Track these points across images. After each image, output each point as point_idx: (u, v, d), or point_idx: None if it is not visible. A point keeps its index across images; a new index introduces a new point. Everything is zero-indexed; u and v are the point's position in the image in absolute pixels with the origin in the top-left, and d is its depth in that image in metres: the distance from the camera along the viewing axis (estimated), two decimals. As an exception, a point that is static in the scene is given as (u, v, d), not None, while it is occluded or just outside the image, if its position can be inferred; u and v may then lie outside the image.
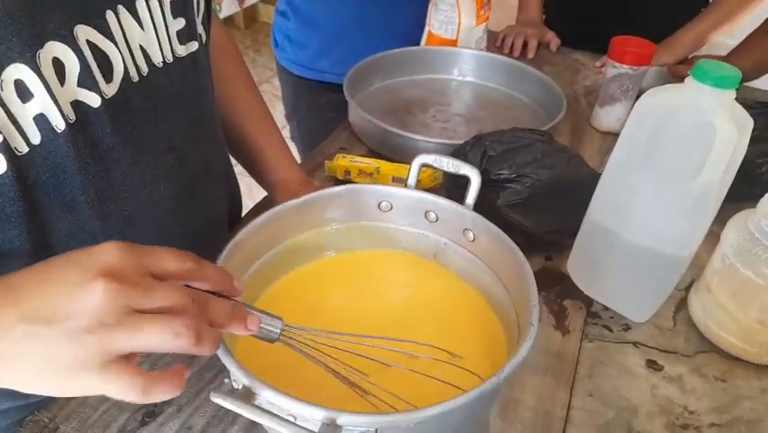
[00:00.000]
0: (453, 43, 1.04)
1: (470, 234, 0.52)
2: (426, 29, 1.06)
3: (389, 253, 0.58)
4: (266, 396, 0.35)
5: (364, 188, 0.56)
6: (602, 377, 0.54)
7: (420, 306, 0.55)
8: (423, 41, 1.08)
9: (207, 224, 0.57)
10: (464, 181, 0.53)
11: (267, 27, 3.19)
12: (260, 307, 0.37)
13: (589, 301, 0.62)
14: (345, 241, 0.58)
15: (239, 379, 0.36)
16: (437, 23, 1.03)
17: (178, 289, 0.30)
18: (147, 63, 0.44)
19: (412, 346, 0.46)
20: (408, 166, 0.76)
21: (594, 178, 0.67)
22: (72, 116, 0.39)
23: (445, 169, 0.54)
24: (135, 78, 0.44)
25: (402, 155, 0.80)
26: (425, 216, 0.55)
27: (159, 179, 0.49)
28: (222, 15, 2.21)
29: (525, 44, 1.19)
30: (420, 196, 0.55)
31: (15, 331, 0.28)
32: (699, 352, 0.58)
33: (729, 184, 0.53)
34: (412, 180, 0.55)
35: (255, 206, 0.73)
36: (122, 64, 0.42)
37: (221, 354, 0.36)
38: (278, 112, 1.26)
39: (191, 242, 0.55)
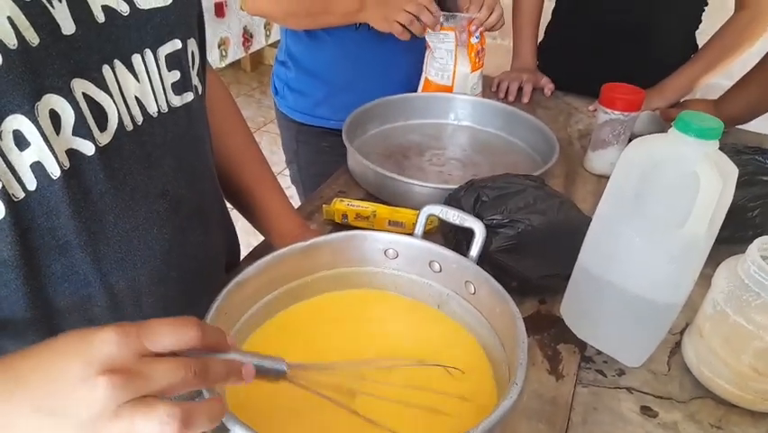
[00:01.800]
0: (449, 89, 1.08)
1: (471, 287, 0.53)
2: (423, 76, 1.10)
3: (393, 296, 0.59)
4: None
5: (370, 234, 0.57)
6: (596, 424, 0.54)
7: (418, 351, 0.55)
8: (420, 88, 1.11)
9: (202, 267, 0.58)
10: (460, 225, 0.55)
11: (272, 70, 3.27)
12: (257, 342, 0.39)
13: (583, 345, 0.63)
14: (349, 284, 0.59)
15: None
16: (434, 70, 1.06)
17: (179, 367, 0.32)
18: (142, 113, 0.46)
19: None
20: (405, 210, 0.78)
21: (585, 222, 0.68)
22: (67, 163, 0.41)
23: (451, 221, 0.55)
24: (130, 126, 0.45)
25: (399, 199, 0.82)
26: (430, 266, 0.56)
27: (151, 223, 0.50)
28: (228, 60, 2.27)
29: (520, 89, 1.23)
30: (425, 245, 0.56)
31: (30, 420, 0.31)
32: (693, 398, 0.58)
33: (717, 231, 0.54)
34: (419, 230, 0.57)
35: (253, 250, 0.74)
36: (116, 114, 0.44)
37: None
38: (282, 152, 1.29)
39: (185, 285, 0.56)
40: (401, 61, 1.11)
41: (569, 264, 0.64)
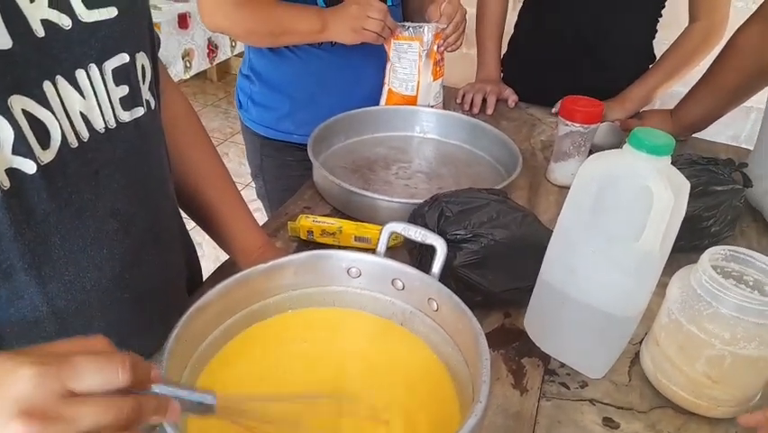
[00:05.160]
0: (414, 99, 1.08)
1: (435, 304, 0.53)
2: (386, 87, 1.10)
3: (356, 314, 0.59)
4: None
5: (333, 253, 0.57)
6: (560, 437, 0.55)
7: (381, 369, 0.55)
8: (383, 100, 1.12)
9: (158, 289, 0.57)
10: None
11: (238, 79, 3.24)
12: (216, 368, 0.37)
13: (546, 358, 0.63)
14: (312, 304, 0.58)
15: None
16: (397, 81, 1.07)
17: (109, 408, 0.30)
18: (88, 129, 0.45)
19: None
20: (371, 226, 0.78)
21: (547, 236, 0.69)
22: (7, 183, 0.40)
23: (413, 237, 0.55)
24: (74, 143, 0.44)
25: (365, 214, 0.82)
26: (393, 284, 0.56)
27: (101, 243, 0.48)
28: (192, 72, 2.24)
29: (484, 100, 1.24)
30: (387, 263, 0.56)
31: None
32: (654, 407, 0.59)
33: (671, 244, 0.55)
34: (381, 248, 0.56)
35: (216, 270, 0.73)
36: (59, 131, 0.43)
37: None
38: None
39: (140, 308, 0.54)
40: (363, 75, 1.12)
41: (532, 277, 0.65)
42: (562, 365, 0.63)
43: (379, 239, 0.58)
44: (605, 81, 1.19)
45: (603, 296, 0.58)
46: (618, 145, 1.06)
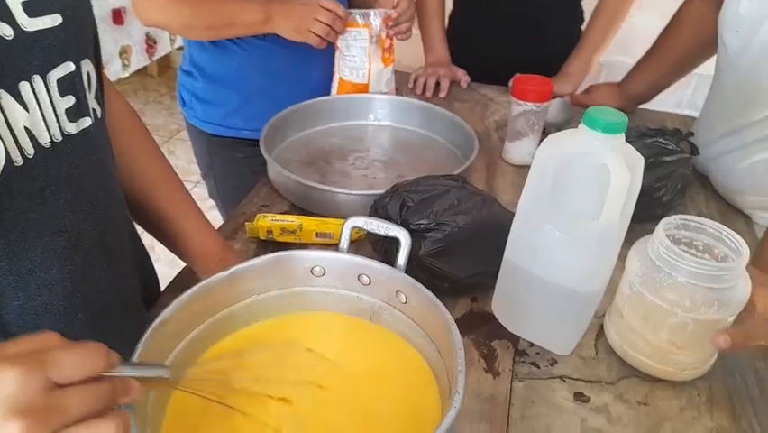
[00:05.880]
0: (365, 87, 1.07)
1: (402, 296, 0.53)
2: (337, 76, 1.08)
3: (324, 314, 0.58)
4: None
5: (295, 254, 0.55)
6: (534, 417, 0.56)
7: (356, 365, 0.54)
8: (334, 90, 1.10)
9: (113, 304, 0.54)
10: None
11: (181, 73, 3.14)
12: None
13: (516, 339, 0.64)
14: (278, 307, 0.57)
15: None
16: (347, 69, 1.05)
17: (90, 393, 0.31)
18: (33, 145, 0.42)
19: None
20: (332, 220, 0.77)
21: (508, 217, 0.69)
22: None
23: (375, 231, 0.54)
24: (19, 161, 0.41)
25: (325, 209, 0.80)
26: (359, 280, 0.55)
27: (49, 264, 0.46)
28: (131, 70, 2.14)
29: (437, 84, 1.24)
30: (352, 259, 0.55)
31: None
32: (621, 378, 0.61)
33: (629, 217, 0.56)
34: (344, 244, 0.55)
35: (174, 279, 0.70)
36: (2, 149, 0.40)
37: None
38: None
39: (96, 326, 0.52)
40: (312, 65, 1.09)
41: (496, 260, 0.66)
42: (532, 345, 0.64)
43: (341, 234, 0.57)
44: (540, 58, 1.21)
45: (567, 273, 0.58)
46: (569, 121, 1.09)
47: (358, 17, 0.99)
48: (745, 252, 0.56)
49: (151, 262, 0.68)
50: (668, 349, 0.59)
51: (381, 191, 0.75)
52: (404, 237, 0.54)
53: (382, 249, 0.67)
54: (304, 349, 0.52)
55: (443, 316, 0.48)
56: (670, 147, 0.81)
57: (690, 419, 0.56)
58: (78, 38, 0.46)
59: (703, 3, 0.97)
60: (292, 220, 0.76)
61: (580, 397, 0.58)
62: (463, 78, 1.27)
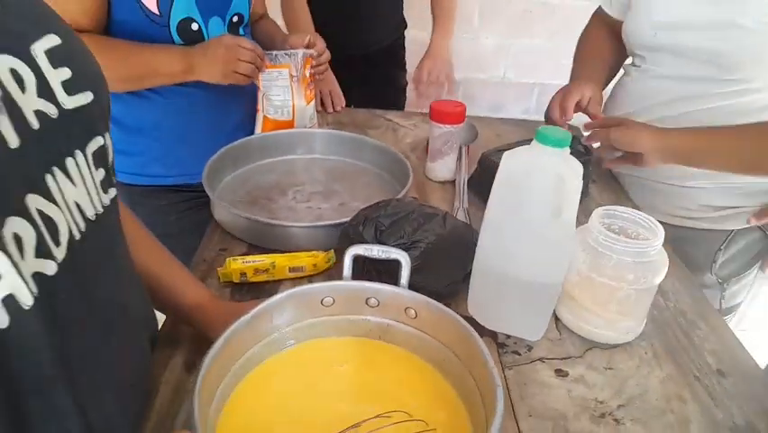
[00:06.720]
0: (291, 124, 1.11)
1: (412, 312, 0.58)
2: (261, 115, 1.10)
3: (337, 340, 0.61)
4: None
5: (306, 289, 0.58)
6: (530, 396, 0.64)
7: (377, 384, 0.58)
8: (258, 128, 1.12)
9: (137, 369, 0.54)
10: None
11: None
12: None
13: (494, 335, 0.72)
14: (295, 340, 0.60)
15: None
16: (272, 108, 1.08)
17: None
18: (83, 218, 0.43)
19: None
20: (302, 254, 0.80)
21: (467, 229, 0.78)
22: (35, 289, 0.36)
23: (376, 256, 0.59)
24: (77, 236, 0.41)
25: (285, 244, 0.83)
26: (367, 303, 0.60)
27: (108, 337, 0.46)
28: None
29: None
30: (360, 285, 0.59)
31: None
32: (585, 351, 0.71)
33: (575, 214, 0.67)
34: (347, 273, 0.59)
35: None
36: (66, 225, 0.40)
37: None
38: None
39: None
40: (232, 106, 1.11)
41: (464, 268, 0.74)
42: (508, 337, 0.72)
43: (344, 264, 0.61)
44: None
45: (533, 269, 0.68)
46: (475, 137, 1.21)
47: (280, 57, 1.03)
48: (660, 229, 0.70)
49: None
50: (615, 318, 0.71)
51: (336, 221, 0.81)
52: (404, 258, 0.60)
53: (363, 273, 0.72)
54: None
55: (457, 322, 0.55)
56: (581, 149, 0.96)
57: (646, 374, 0.68)
58: (105, 113, 0.47)
59: (599, 28, 1.15)
60: (263, 259, 0.77)
61: (560, 373, 0.68)
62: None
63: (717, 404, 0.64)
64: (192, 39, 0.95)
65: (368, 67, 1.61)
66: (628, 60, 1.12)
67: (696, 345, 0.73)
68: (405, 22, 1.70)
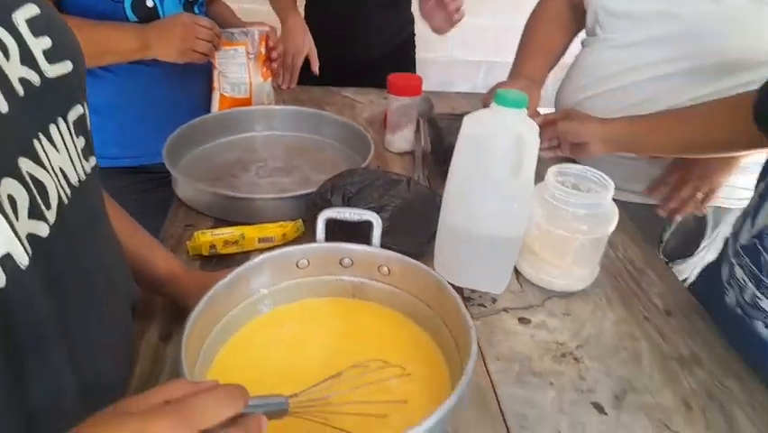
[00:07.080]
0: (248, 101, 1.11)
1: (385, 269, 0.61)
2: (217, 93, 1.10)
3: (314, 301, 0.63)
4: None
5: (283, 252, 0.60)
6: (499, 343, 0.68)
7: (355, 339, 0.61)
8: (215, 107, 1.11)
9: (122, 333, 0.55)
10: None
11: None
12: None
13: (460, 290, 0.76)
14: (272, 302, 0.62)
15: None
16: (228, 86, 1.08)
17: None
18: (68, 184, 0.43)
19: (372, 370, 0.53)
20: (270, 225, 0.81)
21: (430, 193, 0.81)
22: (30, 250, 0.37)
23: (349, 218, 0.61)
24: (66, 200, 0.42)
25: (253, 216, 0.84)
26: (341, 263, 0.62)
27: (98, 301, 0.47)
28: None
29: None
30: (335, 247, 0.61)
31: None
32: (544, 300, 0.76)
33: (534, 172, 0.71)
34: (321, 235, 0.61)
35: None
36: (55, 189, 0.41)
37: None
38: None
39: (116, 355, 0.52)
40: (188, 85, 1.10)
41: (429, 229, 0.77)
42: (474, 291, 0.76)
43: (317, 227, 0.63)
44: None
45: (496, 225, 0.72)
46: (431, 109, 1.25)
47: (236, 35, 1.02)
48: (610, 182, 0.75)
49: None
50: (571, 268, 0.77)
51: (303, 192, 0.82)
52: (375, 219, 0.63)
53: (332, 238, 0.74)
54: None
55: (432, 276, 0.58)
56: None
57: (601, 317, 0.74)
58: (82, 83, 0.47)
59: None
60: (232, 231, 0.78)
61: (523, 321, 0.72)
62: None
63: (665, 340, 0.71)
64: (147, 16, 0.94)
65: (378, 70, 1.41)
66: (585, 34, 1.14)
67: (645, 290, 0.79)
68: (413, 17, 1.58)
